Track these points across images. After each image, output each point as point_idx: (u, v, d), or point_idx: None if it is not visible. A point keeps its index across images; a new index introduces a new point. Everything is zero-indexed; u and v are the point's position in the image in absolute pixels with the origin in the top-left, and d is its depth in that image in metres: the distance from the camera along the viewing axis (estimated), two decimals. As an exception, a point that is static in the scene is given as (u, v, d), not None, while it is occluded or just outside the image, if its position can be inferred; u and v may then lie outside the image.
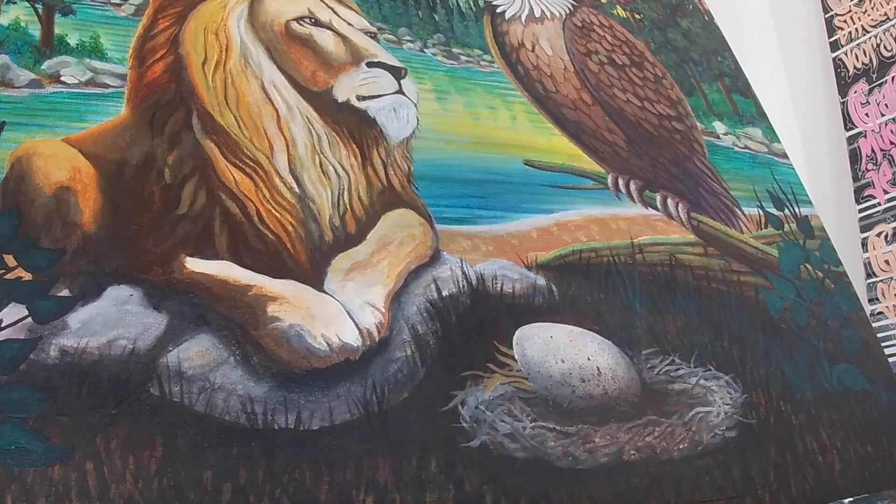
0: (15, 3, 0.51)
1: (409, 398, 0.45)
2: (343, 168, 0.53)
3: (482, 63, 0.66)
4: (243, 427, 0.40)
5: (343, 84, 0.56)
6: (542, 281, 0.54)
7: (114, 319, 0.41)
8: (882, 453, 0.58)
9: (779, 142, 0.79)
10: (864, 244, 0.86)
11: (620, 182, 0.64)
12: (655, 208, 0.64)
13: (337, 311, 0.46)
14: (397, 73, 0.58)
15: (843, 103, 0.94)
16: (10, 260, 0.41)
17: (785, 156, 0.78)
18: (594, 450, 0.47)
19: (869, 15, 0.93)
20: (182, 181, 0.48)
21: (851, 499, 0.54)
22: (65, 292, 0.41)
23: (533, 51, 0.68)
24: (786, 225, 0.70)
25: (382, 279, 0.49)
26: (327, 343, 0.45)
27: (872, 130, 0.90)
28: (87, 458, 0.37)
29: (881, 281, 0.83)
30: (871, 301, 0.82)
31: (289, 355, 0.43)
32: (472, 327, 0.49)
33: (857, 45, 0.94)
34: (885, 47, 0.90)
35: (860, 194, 0.89)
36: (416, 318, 0.48)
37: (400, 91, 0.57)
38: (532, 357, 0.49)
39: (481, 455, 0.45)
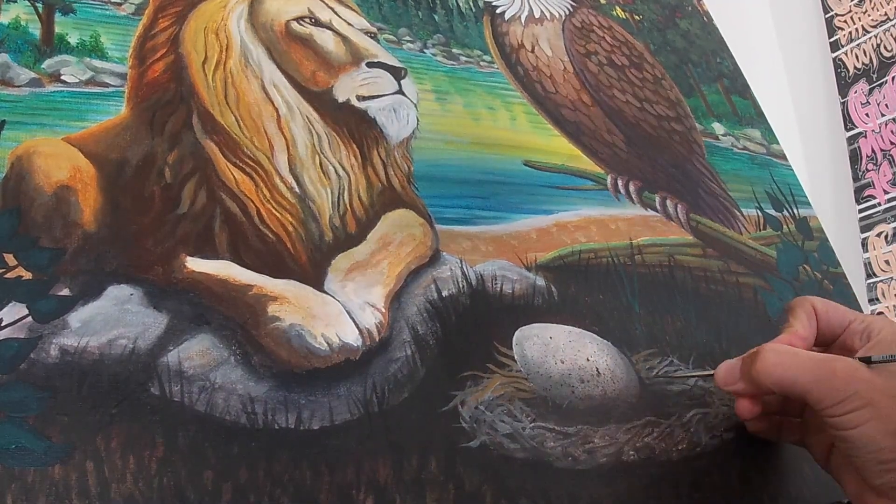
0: (15, 1, 0.51)
1: (410, 398, 0.45)
2: (343, 168, 0.53)
3: (482, 63, 0.66)
4: (244, 427, 0.40)
5: (343, 84, 0.56)
6: (541, 282, 0.54)
7: (114, 319, 0.41)
8: (880, 454, 0.58)
9: (777, 143, 0.79)
10: (864, 244, 0.86)
11: (619, 183, 0.64)
12: (654, 209, 0.64)
13: (337, 311, 0.46)
14: (397, 74, 0.58)
15: (843, 103, 0.94)
16: (10, 259, 0.41)
17: (784, 157, 0.78)
18: (593, 450, 0.47)
19: (869, 15, 0.93)
20: (182, 181, 0.48)
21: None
22: (65, 291, 0.41)
23: (533, 51, 0.68)
24: (784, 226, 0.70)
25: (382, 279, 0.49)
26: (328, 343, 0.45)
27: (872, 130, 0.90)
28: (88, 458, 0.37)
29: (881, 281, 0.83)
30: (871, 301, 0.82)
31: (289, 355, 0.44)
32: (472, 328, 0.49)
33: (858, 45, 0.94)
34: (885, 47, 0.91)
35: (860, 194, 0.89)
36: (416, 318, 0.48)
37: (400, 91, 0.57)
38: (532, 358, 0.49)
39: (481, 455, 0.45)
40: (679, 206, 0.65)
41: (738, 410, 0.47)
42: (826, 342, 0.48)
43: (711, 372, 0.48)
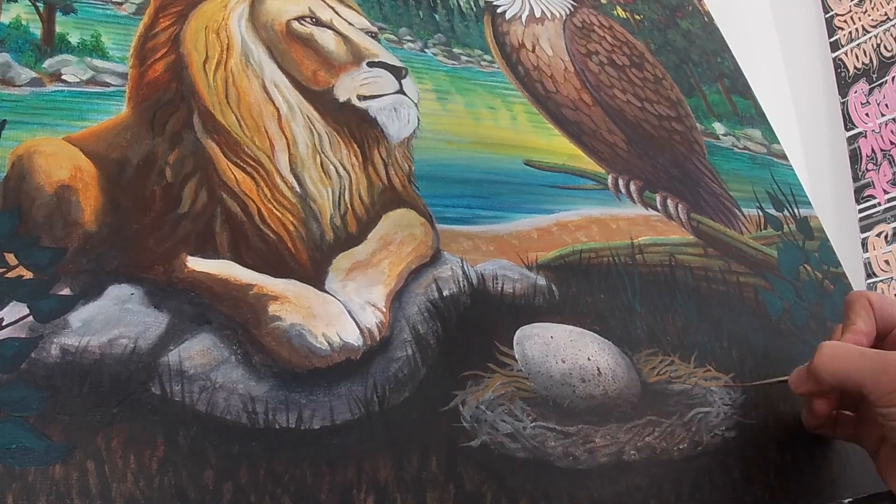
0: (16, 1, 0.51)
1: (410, 398, 0.45)
2: (344, 168, 0.53)
3: (483, 63, 0.66)
4: (244, 426, 0.40)
5: (344, 84, 0.56)
6: (542, 281, 0.54)
7: (115, 318, 0.41)
8: (881, 454, 0.58)
9: (778, 143, 0.79)
10: (864, 244, 0.86)
11: (620, 182, 0.64)
12: (655, 209, 0.64)
13: (338, 311, 0.46)
14: (398, 73, 0.58)
15: (843, 103, 0.94)
16: (10, 258, 0.41)
17: (784, 157, 0.78)
18: (594, 450, 0.47)
19: (869, 15, 0.93)
20: (183, 180, 0.48)
21: (851, 499, 0.55)
22: (66, 291, 0.41)
23: (533, 51, 0.68)
24: (785, 226, 0.71)
25: (383, 279, 0.49)
26: (328, 342, 0.45)
27: (872, 130, 0.90)
28: (88, 457, 0.37)
29: (881, 281, 0.83)
30: (870, 301, 0.82)
31: (290, 354, 0.44)
32: (473, 327, 0.49)
33: (858, 45, 0.94)
34: (885, 47, 0.91)
35: (860, 194, 0.89)
36: (417, 317, 0.48)
37: (401, 91, 0.57)
38: (532, 357, 0.49)
39: (482, 455, 0.45)
40: (680, 205, 0.65)
41: (815, 408, 0.51)
42: (879, 336, 0.50)
43: (786, 378, 0.50)
